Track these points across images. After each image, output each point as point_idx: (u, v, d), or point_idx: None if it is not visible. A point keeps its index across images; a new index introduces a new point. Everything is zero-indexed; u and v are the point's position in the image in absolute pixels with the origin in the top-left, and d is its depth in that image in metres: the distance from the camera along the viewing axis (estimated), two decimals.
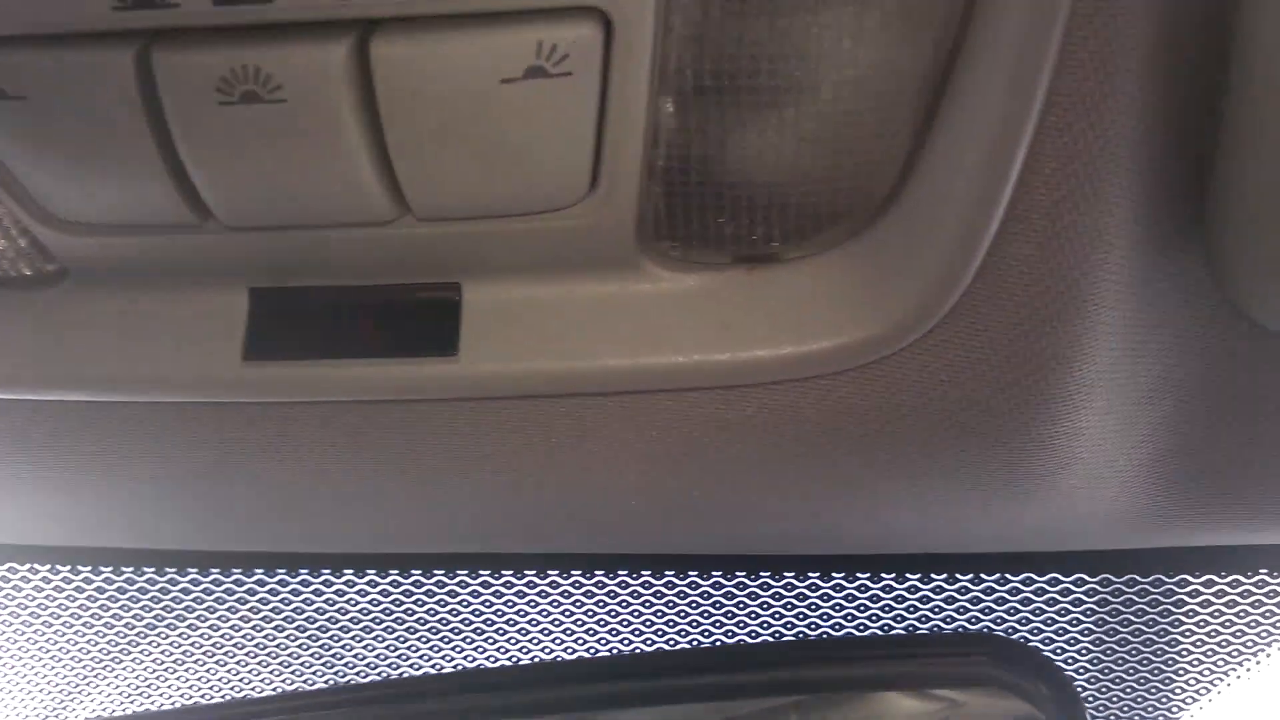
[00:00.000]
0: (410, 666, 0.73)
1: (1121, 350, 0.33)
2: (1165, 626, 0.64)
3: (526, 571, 0.63)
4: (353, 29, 0.26)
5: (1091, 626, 0.64)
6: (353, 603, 0.69)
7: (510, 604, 0.67)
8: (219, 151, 0.28)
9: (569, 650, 0.69)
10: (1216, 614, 0.64)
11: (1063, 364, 0.32)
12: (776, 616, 0.64)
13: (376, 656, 0.73)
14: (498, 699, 0.54)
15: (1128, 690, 0.69)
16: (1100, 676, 0.68)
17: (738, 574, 0.61)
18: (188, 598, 0.71)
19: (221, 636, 0.73)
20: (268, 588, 0.69)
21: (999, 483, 0.37)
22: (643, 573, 0.62)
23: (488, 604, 0.67)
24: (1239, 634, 0.65)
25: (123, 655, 0.76)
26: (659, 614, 0.65)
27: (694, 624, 0.66)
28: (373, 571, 0.67)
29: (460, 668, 0.71)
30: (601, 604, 0.65)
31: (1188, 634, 0.65)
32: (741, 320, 0.33)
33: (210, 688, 0.77)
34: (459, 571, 0.64)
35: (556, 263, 0.32)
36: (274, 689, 0.76)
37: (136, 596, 0.71)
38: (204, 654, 0.74)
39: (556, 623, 0.67)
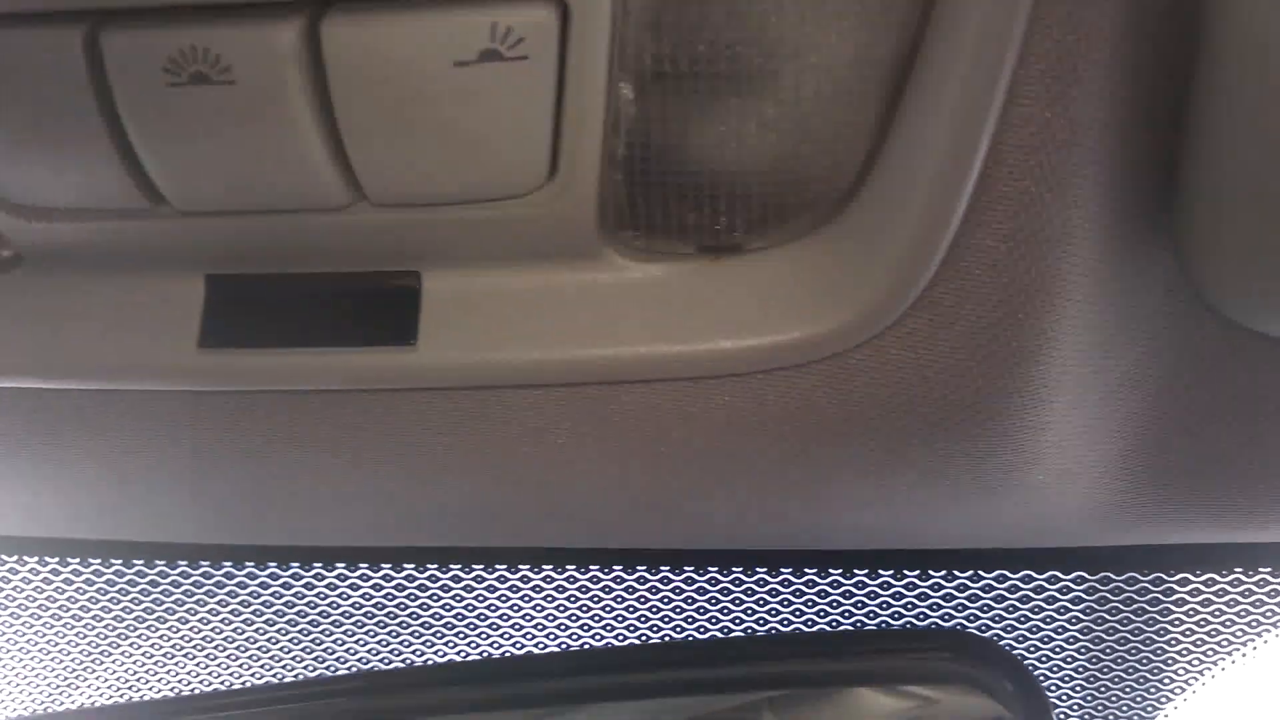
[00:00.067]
0: (398, 660, 0.73)
1: (1089, 345, 0.33)
2: (1140, 625, 0.64)
3: (497, 566, 0.63)
4: (303, 9, 0.26)
5: (1065, 624, 0.64)
6: (344, 596, 0.69)
7: (481, 599, 0.66)
8: (169, 134, 0.28)
9: (540, 645, 0.68)
10: (1192, 612, 0.64)
11: (1029, 358, 0.32)
12: (749, 612, 0.64)
13: (367, 650, 0.73)
14: (467, 693, 0.54)
15: (1103, 689, 0.69)
16: (1075, 675, 0.68)
17: (710, 569, 0.61)
18: (177, 590, 0.70)
19: (211, 630, 0.73)
20: (259, 580, 0.69)
21: (968, 477, 0.37)
22: (614, 568, 0.62)
23: (458, 599, 0.67)
24: (1214, 633, 0.65)
25: (111, 649, 0.76)
26: (631, 609, 0.65)
27: (666, 619, 0.65)
28: (350, 565, 0.66)
29: (431, 662, 0.71)
30: (573, 599, 0.65)
31: (1162, 633, 0.65)
32: (705, 311, 0.32)
33: (199, 681, 0.76)
34: (429, 566, 0.64)
35: (517, 252, 0.32)
36: (262, 682, 0.76)
37: (126, 589, 0.71)
38: (193, 647, 0.74)
39: (528, 618, 0.67)
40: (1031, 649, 0.66)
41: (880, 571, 0.60)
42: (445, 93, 0.26)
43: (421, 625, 0.69)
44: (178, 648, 0.75)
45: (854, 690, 0.52)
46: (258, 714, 0.54)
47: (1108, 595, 0.62)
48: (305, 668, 0.74)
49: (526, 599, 0.66)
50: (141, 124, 0.28)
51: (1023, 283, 0.30)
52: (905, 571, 0.60)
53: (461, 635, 0.70)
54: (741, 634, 0.64)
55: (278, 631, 0.72)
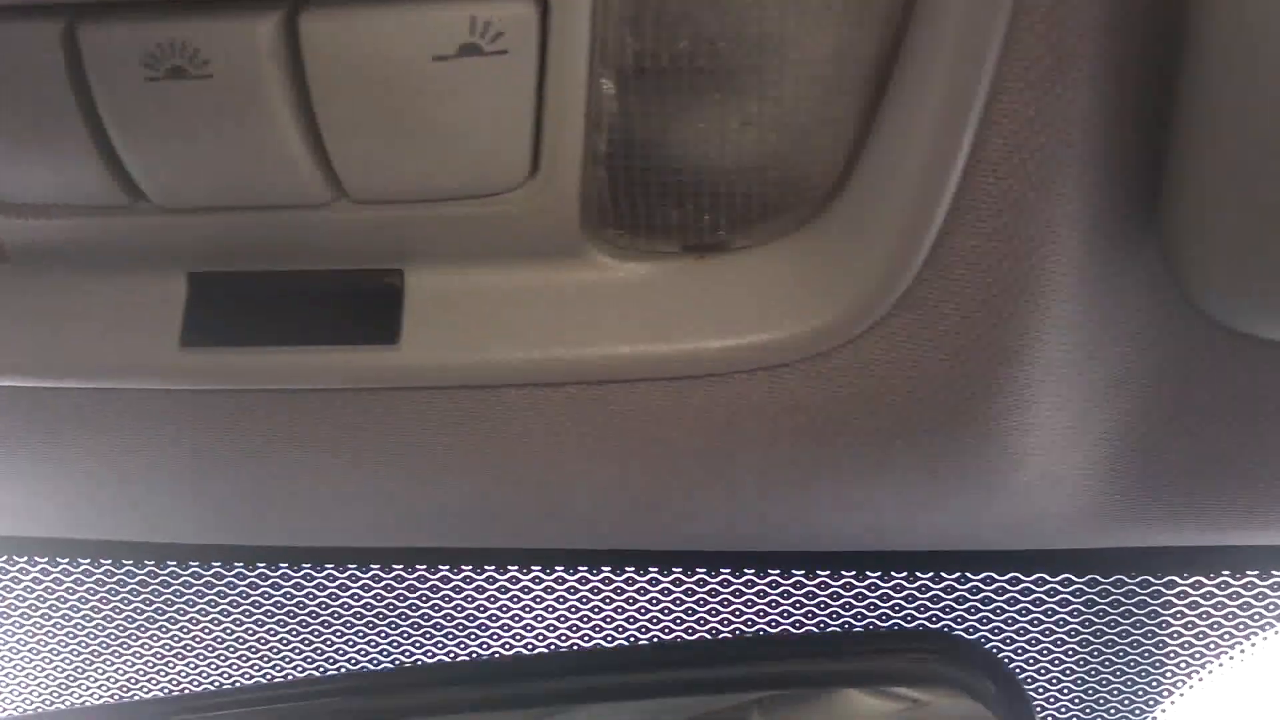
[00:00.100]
0: (388, 661, 0.73)
1: (1075, 345, 0.32)
2: (1128, 628, 0.64)
3: (487, 567, 0.63)
4: (281, 3, 0.26)
5: (1054, 627, 0.64)
6: (333, 597, 0.69)
7: (470, 599, 0.66)
8: (147, 129, 0.28)
9: (529, 647, 0.68)
10: (1179, 615, 0.64)
11: (1013, 358, 0.32)
12: (737, 614, 0.64)
13: (357, 651, 0.72)
14: (459, 694, 0.54)
15: (1091, 692, 0.69)
16: (1063, 678, 0.68)
17: (698, 570, 0.61)
18: (167, 590, 0.70)
19: (201, 630, 0.73)
20: (247, 581, 0.69)
21: (954, 478, 0.37)
22: (603, 569, 0.61)
23: (448, 599, 0.67)
24: (1202, 636, 0.65)
25: (102, 649, 0.75)
26: (619, 610, 0.65)
27: (654, 620, 0.65)
28: (339, 566, 0.66)
29: (422, 663, 0.71)
30: (561, 600, 0.65)
31: (1150, 635, 0.65)
32: (689, 310, 0.32)
33: (197, 681, 0.76)
34: (418, 567, 0.64)
35: (501, 250, 0.32)
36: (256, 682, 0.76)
37: (116, 589, 0.71)
38: (184, 648, 0.74)
39: (517, 619, 0.67)
40: (1019, 651, 0.66)
41: (868, 573, 0.60)
42: (424, 88, 0.26)
43: (411, 626, 0.69)
44: (169, 649, 0.74)
45: (843, 692, 0.52)
46: (256, 713, 0.55)
47: (1095, 598, 0.62)
48: (296, 668, 0.74)
49: (516, 600, 0.66)
50: (120, 119, 0.28)
51: (1006, 281, 0.30)
52: (893, 574, 0.60)
53: (451, 636, 0.69)
54: (730, 635, 0.64)
55: (267, 632, 0.72)
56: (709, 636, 0.64)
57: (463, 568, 0.64)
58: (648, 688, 0.54)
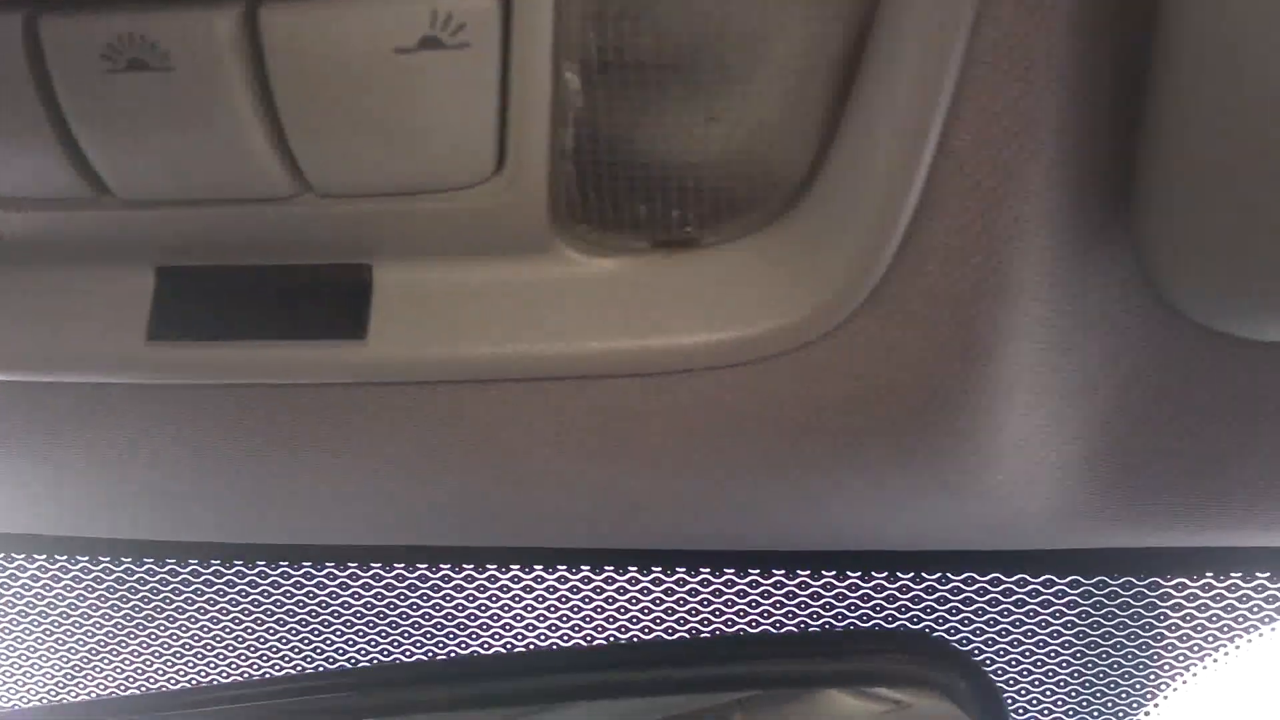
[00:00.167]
0: (365, 661, 0.73)
1: (1048, 343, 0.32)
2: (1110, 630, 0.64)
3: (465, 566, 0.63)
4: None
5: (1035, 629, 0.64)
6: (311, 595, 0.69)
7: (448, 598, 0.66)
8: (109, 122, 0.28)
9: (507, 646, 0.68)
10: (1162, 617, 0.64)
11: (985, 355, 0.31)
12: (717, 614, 0.63)
13: (335, 650, 0.72)
14: (433, 693, 0.54)
15: (1073, 694, 0.69)
16: (1045, 680, 0.68)
17: (677, 569, 0.60)
18: (165, 588, 0.70)
19: (200, 629, 0.73)
20: (246, 579, 0.68)
21: (928, 476, 0.37)
22: (581, 568, 0.61)
23: (425, 598, 0.67)
24: (1185, 638, 0.65)
25: (100, 647, 0.75)
26: (598, 610, 0.65)
27: (634, 620, 0.65)
28: (319, 563, 0.66)
29: (397, 661, 0.71)
30: (540, 599, 0.65)
31: (1133, 638, 0.65)
32: (659, 307, 0.32)
33: (195, 680, 0.76)
34: (394, 565, 0.63)
35: (470, 245, 0.31)
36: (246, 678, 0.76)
37: (113, 589, 0.71)
38: (182, 646, 0.74)
39: (495, 618, 0.67)
40: (1001, 653, 0.66)
41: (849, 573, 0.60)
42: (386, 81, 0.26)
43: (389, 625, 0.69)
44: (168, 647, 0.75)
45: (826, 693, 0.51)
46: (250, 708, 0.55)
47: (1078, 599, 0.62)
48: (274, 667, 0.74)
49: (494, 599, 0.66)
50: (81, 112, 0.27)
51: (977, 277, 0.29)
52: (874, 574, 0.60)
53: (430, 635, 0.69)
54: (710, 635, 0.64)
55: (245, 631, 0.72)
56: (688, 636, 0.64)
57: (441, 566, 0.63)
58: (626, 687, 0.53)
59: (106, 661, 0.76)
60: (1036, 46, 0.25)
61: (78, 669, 0.77)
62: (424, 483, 0.38)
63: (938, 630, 0.62)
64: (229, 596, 0.70)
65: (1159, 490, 0.39)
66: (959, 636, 0.64)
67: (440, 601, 0.66)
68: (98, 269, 0.33)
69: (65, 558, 0.68)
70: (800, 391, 0.33)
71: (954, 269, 0.29)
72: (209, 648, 0.74)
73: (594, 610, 0.65)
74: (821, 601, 0.62)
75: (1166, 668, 0.67)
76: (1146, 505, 0.40)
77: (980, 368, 0.32)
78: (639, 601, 0.64)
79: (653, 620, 0.65)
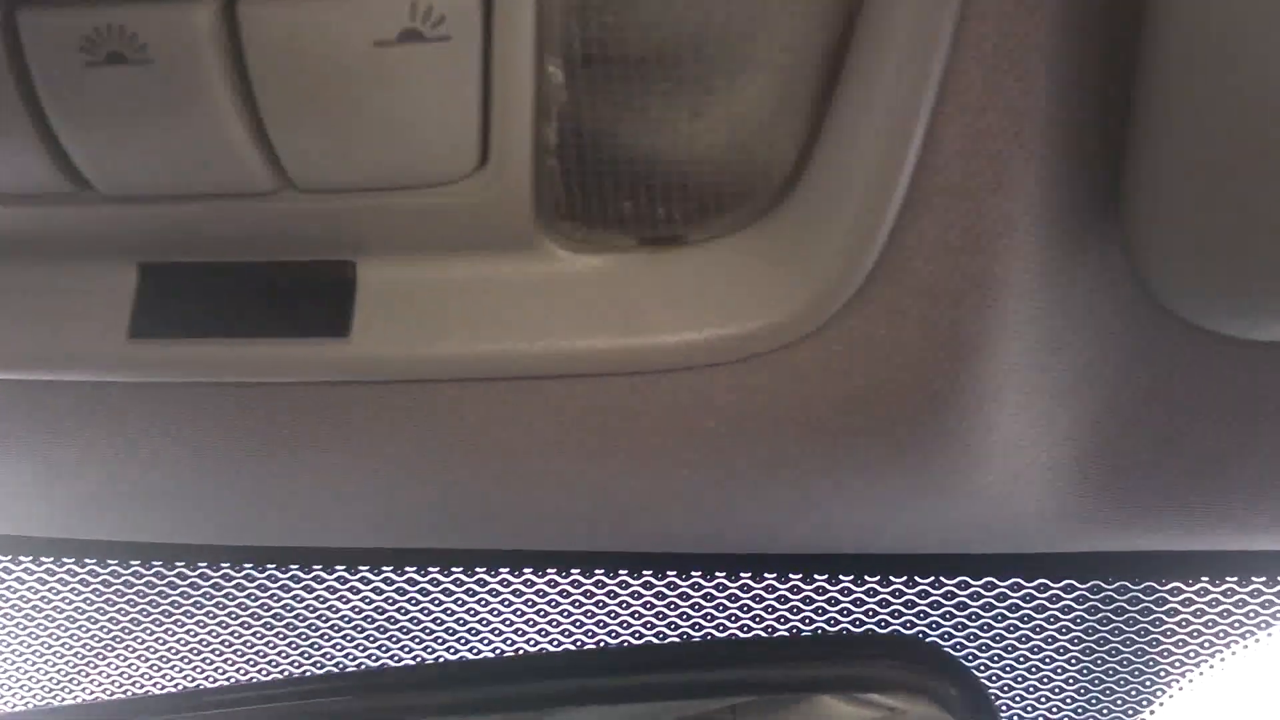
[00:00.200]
0: (352, 666, 0.73)
1: (1037, 343, 0.32)
2: (1105, 635, 0.64)
3: (453, 569, 0.62)
4: None
5: (1030, 634, 0.64)
6: (298, 599, 0.69)
7: (437, 602, 0.66)
8: (88, 115, 0.27)
9: (496, 651, 0.68)
10: (1158, 622, 0.63)
11: (972, 354, 0.31)
12: (709, 618, 0.63)
13: (322, 654, 0.72)
14: (426, 698, 0.54)
15: (1068, 700, 0.68)
16: (1039, 686, 0.67)
17: (668, 573, 0.60)
18: (153, 591, 0.70)
19: (187, 633, 0.72)
20: (233, 582, 0.68)
21: (917, 477, 0.36)
22: (572, 571, 0.61)
23: (414, 602, 0.66)
24: (1181, 643, 0.65)
25: (98, 645, 0.75)
26: (589, 614, 0.65)
27: (624, 624, 0.65)
28: (307, 566, 0.66)
29: (387, 666, 0.71)
30: (530, 603, 0.65)
31: (1128, 644, 0.64)
32: (645, 304, 0.32)
33: (194, 682, 0.76)
34: (385, 569, 0.63)
35: (454, 242, 0.31)
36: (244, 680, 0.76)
37: (102, 589, 0.71)
38: (183, 647, 0.74)
39: (485, 623, 0.67)
40: (995, 658, 0.66)
41: (841, 577, 0.60)
42: (366, 75, 0.26)
43: (378, 630, 0.69)
44: (169, 647, 0.74)
45: (819, 699, 0.51)
46: (250, 712, 0.54)
47: (1072, 604, 0.62)
48: (261, 671, 0.74)
49: (483, 603, 0.65)
50: (60, 105, 0.27)
51: (964, 275, 0.29)
52: (867, 578, 0.59)
53: (418, 640, 0.69)
54: (702, 639, 0.64)
55: (231, 635, 0.72)
56: (680, 641, 0.64)
57: (430, 570, 0.63)
58: (618, 693, 0.53)
59: (101, 665, 0.76)
60: (1024, 42, 0.25)
61: (72, 673, 0.77)
62: (410, 481, 0.38)
63: (931, 635, 0.62)
64: (216, 600, 0.70)
65: (1151, 492, 0.39)
66: (953, 642, 0.63)
67: (429, 606, 0.66)
68: (79, 265, 0.33)
69: (51, 559, 0.68)
70: (788, 389, 0.33)
71: (942, 266, 0.29)
72: (197, 653, 0.73)
73: (585, 614, 0.64)
74: (814, 606, 0.61)
75: (1162, 674, 0.66)
76: (1139, 507, 0.39)
77: (969, 366, 0.32)
78: (630, 606, 0.63)
79: (643, 625, 0.64)
